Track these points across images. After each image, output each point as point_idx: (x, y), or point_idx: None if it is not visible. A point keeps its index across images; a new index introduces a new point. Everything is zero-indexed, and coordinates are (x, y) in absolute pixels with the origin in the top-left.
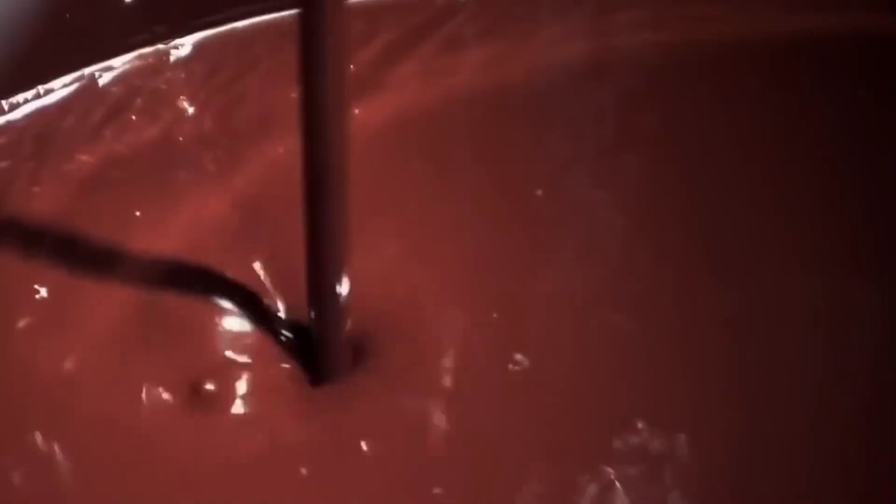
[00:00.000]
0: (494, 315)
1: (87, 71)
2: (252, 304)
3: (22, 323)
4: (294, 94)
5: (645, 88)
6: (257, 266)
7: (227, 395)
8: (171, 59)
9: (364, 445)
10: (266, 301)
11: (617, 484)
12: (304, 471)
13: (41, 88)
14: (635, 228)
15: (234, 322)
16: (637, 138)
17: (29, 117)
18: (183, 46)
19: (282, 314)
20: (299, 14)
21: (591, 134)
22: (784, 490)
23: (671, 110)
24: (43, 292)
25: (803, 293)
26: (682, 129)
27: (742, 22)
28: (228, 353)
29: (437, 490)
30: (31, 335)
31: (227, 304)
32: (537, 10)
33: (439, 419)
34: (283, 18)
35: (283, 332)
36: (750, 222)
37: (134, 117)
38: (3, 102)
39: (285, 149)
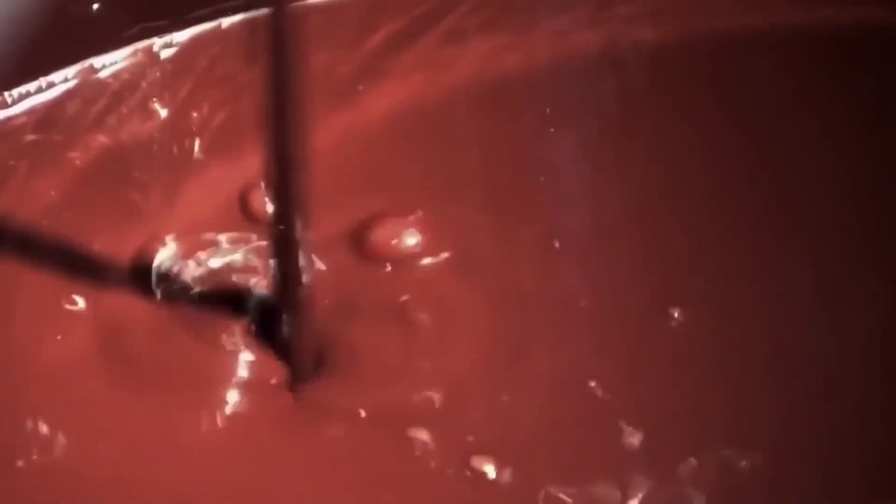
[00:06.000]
0: (499, 304)
1: (87, 63)
2: (249, 299)
3: (21, 312)
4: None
5: (648, 79)
6: (254, 261)
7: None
8: (169, 52)
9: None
10: (263, 296)
11: (621, 473)
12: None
13: (43, 81)
14: (639, 217)
15: (232, 316)
16: (640, 129)
17: (31, 109)
18: (180, 41)
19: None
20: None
21: (594, 124)
22: (789, 477)
23: (674, 101)
24: (42, 282)
25: (807, 281)
26: (685, 120)
27: (745, 13)
28: (227, 347)
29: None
30: (31, 324)
31: (225, 297)
32: (540, 1)
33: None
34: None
35: (280, 328)
36: (754, 213)
37: (133, 111)
38: (6, 94)
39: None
